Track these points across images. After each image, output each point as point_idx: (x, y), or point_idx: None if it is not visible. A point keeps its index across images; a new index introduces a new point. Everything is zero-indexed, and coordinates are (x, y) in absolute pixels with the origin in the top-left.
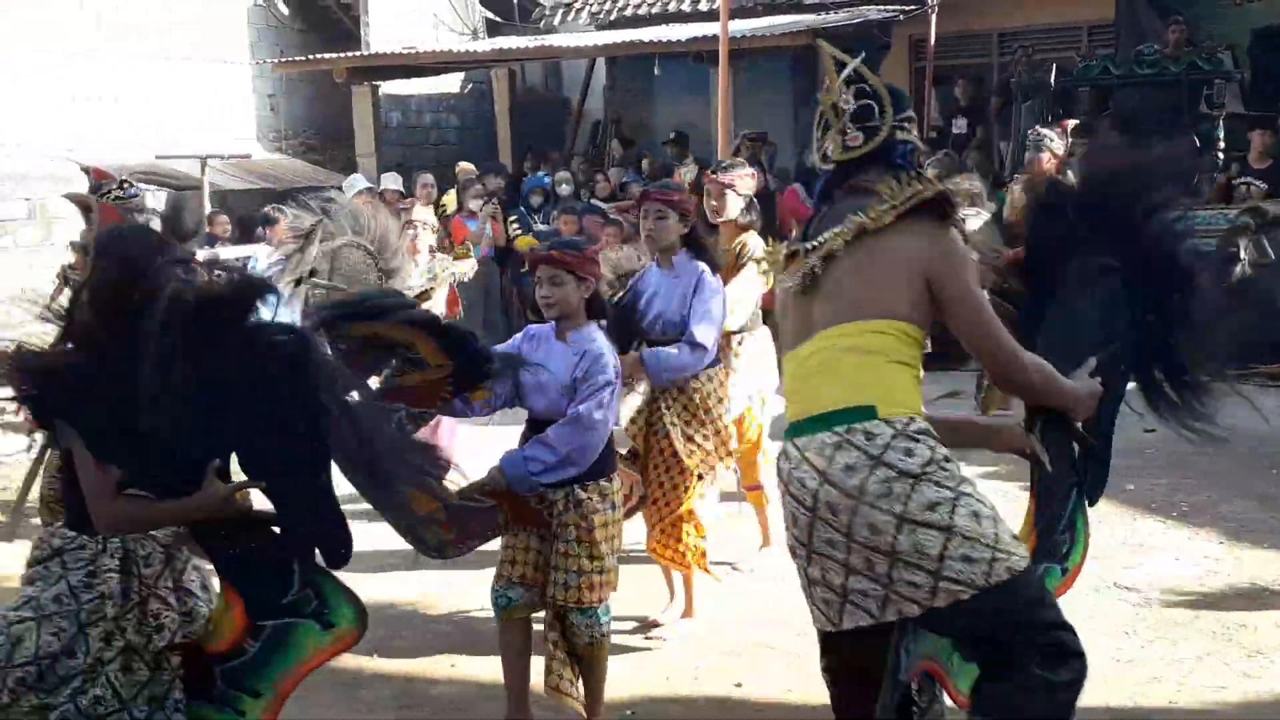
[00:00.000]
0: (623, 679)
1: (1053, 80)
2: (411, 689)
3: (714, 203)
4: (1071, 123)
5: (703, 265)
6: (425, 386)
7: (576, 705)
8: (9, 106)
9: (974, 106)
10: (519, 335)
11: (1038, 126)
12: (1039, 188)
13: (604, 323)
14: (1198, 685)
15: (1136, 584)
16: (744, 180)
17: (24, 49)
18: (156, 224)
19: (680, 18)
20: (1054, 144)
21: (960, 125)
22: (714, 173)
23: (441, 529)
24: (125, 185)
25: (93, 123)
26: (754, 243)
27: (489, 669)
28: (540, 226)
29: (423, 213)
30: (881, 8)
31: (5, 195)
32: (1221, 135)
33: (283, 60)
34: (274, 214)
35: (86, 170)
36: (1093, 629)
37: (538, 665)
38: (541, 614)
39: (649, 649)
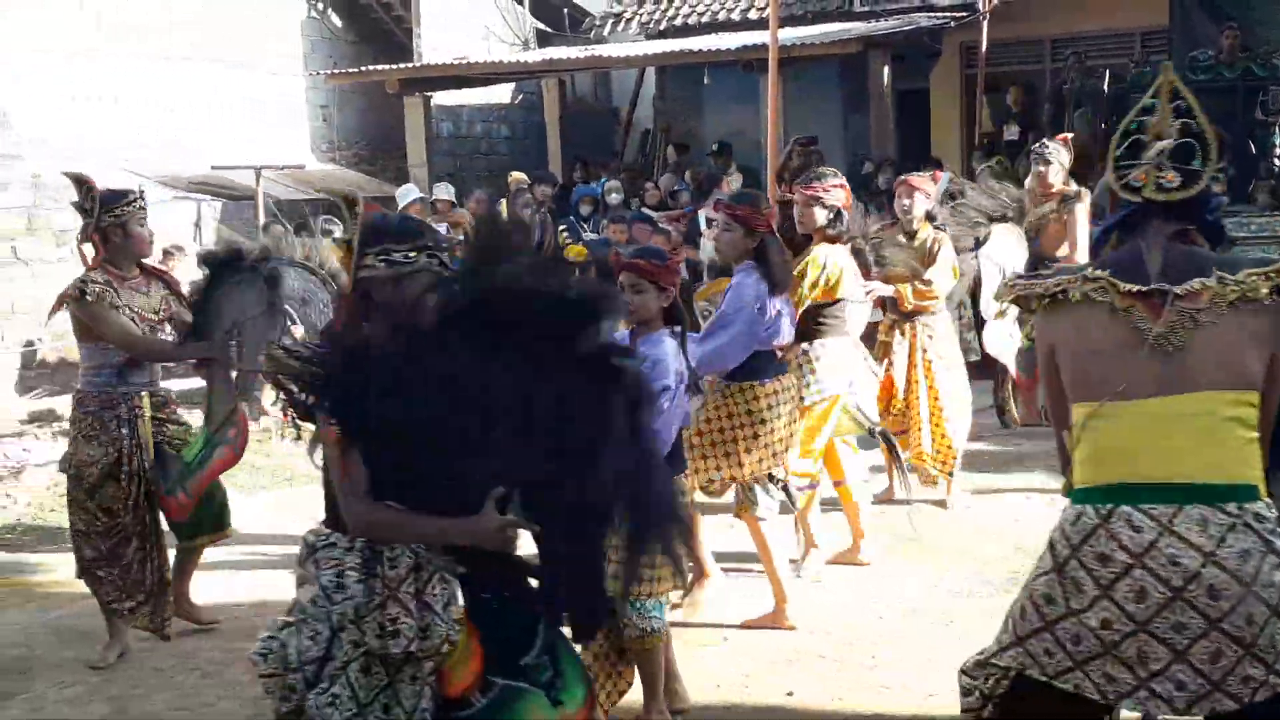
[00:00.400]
0: None
1: (1106, 87)
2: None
3: (801, 213)
4: (1070, 135)
5: (745, 278)
6: None
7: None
8: (67, 118)
9: (1026, 113)
10: None
11: (1044, 139)
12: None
13: (678, 329)
14: None
15: None
16: (832, 191)
17: (59, 55)
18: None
19: (729, 26)
20: (1060, 155)
21: (1012, 132)
22: (807, 184)
23: None
24: (142, 194)
25: (148, 133)
26: (822, 254)
27: None
28: (589, 235)
29: (438, 228)
30: (933, 15)
31: (65, 205)
32: (1277, 141)
33: (335, 72)
34: (328, 227)
35: (82, 181)
36: None
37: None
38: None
39: (699, 656)
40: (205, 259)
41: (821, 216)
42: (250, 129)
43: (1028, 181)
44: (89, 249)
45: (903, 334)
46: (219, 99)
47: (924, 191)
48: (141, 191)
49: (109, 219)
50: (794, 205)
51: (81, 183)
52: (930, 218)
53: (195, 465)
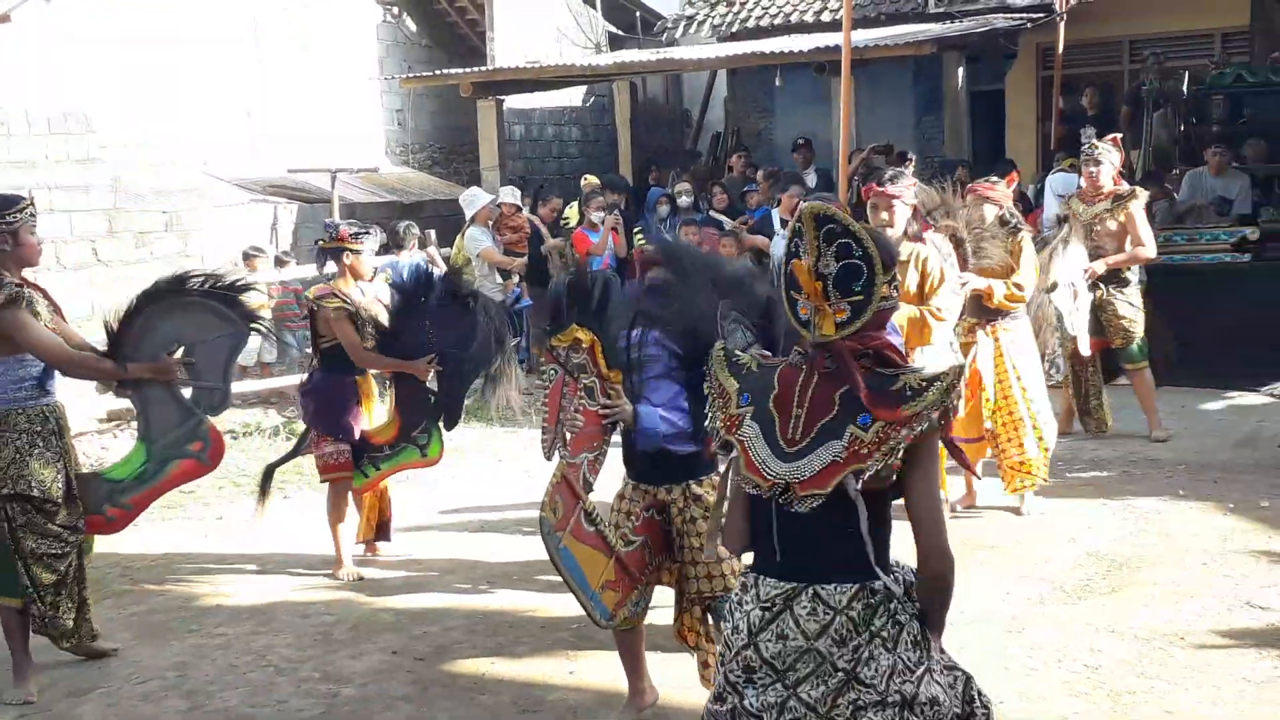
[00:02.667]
0: None
1: (1185, 88)
2: (530, 694)
3: (883, 215)
4: (1118, 135)
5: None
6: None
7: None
8: (147, 122)
9: (1103, 115)
10: None
11: (1092, 139)
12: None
13: None
14: None
15: (1271, 604)
16: (911, 191)
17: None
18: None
19: (802, 28)
20: (1110, 156)
21: (1089, 134)
22: (880, 184)
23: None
24: (33, 201)
25: (226, 137)
26: (932, 254)
27: (607, 675)
28: (666, 236)
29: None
30: (1009, 16)
31: (145, 208)
32: None
33: (410, 76)
34: (405, 233)
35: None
36: (1226, 647)
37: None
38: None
39: None
40: (147, 291)
41: (904, 217)
42: (325, 133)
43: (1079, 181)
44: None
45: (988, 334)
46: (295, 103)
47: (995, 200)
48: (32, 199)
49: (1, 226)
50: (867, 207)
51: None
52: (1004, 222)
53: (135, 479)
